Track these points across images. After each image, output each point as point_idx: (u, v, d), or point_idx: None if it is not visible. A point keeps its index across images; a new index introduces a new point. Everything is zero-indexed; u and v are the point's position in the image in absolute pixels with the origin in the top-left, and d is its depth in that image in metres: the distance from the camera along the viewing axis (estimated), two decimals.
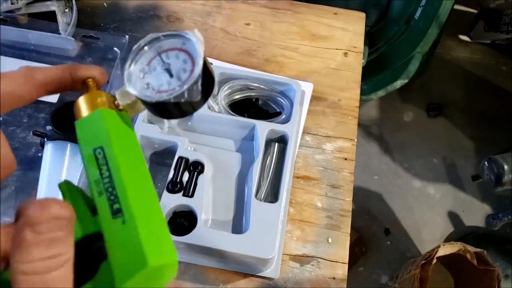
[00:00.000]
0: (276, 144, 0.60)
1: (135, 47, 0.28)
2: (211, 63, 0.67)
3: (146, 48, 0.28)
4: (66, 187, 0.24)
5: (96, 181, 0.22)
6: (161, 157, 0.59)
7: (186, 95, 0.25)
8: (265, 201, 0.54)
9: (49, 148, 0.58)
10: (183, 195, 0.54)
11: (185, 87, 0.25)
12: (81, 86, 0.26)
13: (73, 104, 0.26)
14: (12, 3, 0.66)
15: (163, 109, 0.26)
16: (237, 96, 0.63)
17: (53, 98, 0.65)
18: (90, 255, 0.21)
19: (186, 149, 0.57)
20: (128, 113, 0.27)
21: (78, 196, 0.23)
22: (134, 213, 0.20)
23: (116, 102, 0.26)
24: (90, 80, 0.26)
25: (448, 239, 1.39)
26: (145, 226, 0.20)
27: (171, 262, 0.20)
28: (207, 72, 0.27)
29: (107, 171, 0.22)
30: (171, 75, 0.27)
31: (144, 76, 0.27)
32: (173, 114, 0.27)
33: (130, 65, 0.28)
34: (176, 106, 0.26)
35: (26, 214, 0.19)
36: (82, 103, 0.25)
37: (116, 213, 0.20)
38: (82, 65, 0.26)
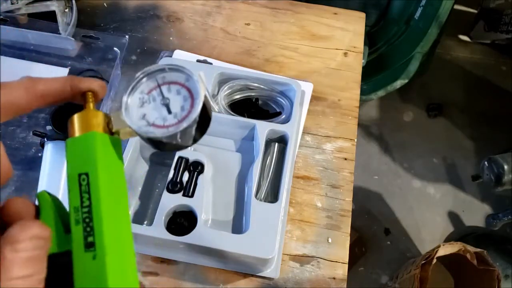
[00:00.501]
0: (276, 144, 0.60)
1: (138, 74, 0.28)
2: (211, 63, 0.67)
3: (148, 77, 0.27)
4: (43, 198, 0.23)
5: (76, 208, 0.22)
6: (161, 157, 0.59)
7: (178, 137, 0.25)
8: (265, 201, 0.54)
9: (49, 148, 0.58)
10: (183, 195, 0.54)
11: (180, 129, 0.25)
12: (80, 98, 0.26)
13: (68, 120, 0.25)
14: (12, 3, 0.66)
15: (154, 143, 0.26)
16: (237, 96, 0.63)
17: None
18: (57, 272, 0.21)
19: (186, 149, 0.57)
20: (120, 137, 0.26)
21: (53, 210, 0.23)
22: (106, 251, 0.20)
23: (110, 125, 0.26)
24: (89, 93, 0.26)
25: (448, 239, 1.39)
26: (114, 263, 0.20)
27: None
28: (205, 114, 0.26)
29: (88, 200, 0.22)
30: (168, 111, 0.26)
31: (142, 105, 0.26)
32: (163, 148, 0.27)
33: (129, 92, 0.27)
34: (168, 144, 0.26)
35: (8, 232, 0.19)
36: (77, 121, 0.25)
37: (89, 246, 0.20)
38: (82, 78, 0.26)
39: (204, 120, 0.27)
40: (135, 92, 0.27)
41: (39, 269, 0.19)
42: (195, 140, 0.27)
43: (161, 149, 0.27)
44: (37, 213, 0.23)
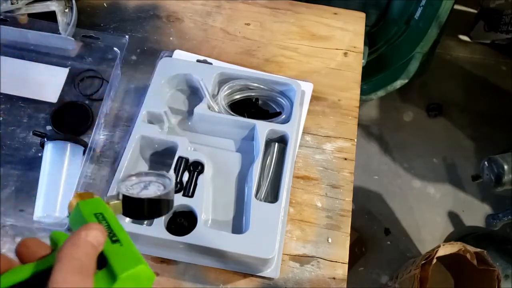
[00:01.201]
0: (276, 144, 0.60)
1: (127, 175, 0.40)
2: (211, 63, 0.67)
3: (134, 177, 0.39)
4: (57, 236, 0.29)
5: None
6: (161, 157, 0.59)
7: (151, 203, 0.37)
8: (265, 201, 0.54)
9: (49, 148, 0.58)
10: (183, 195, 0.54)
11: (154, 195, 0.37)
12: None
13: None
14: (12, 3, 0.66)
15: (134, 207, 0.37)
16: (237, 96, 0.63)
17: (53, 98, 0.65)
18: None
19: (186, 149, 0.57)
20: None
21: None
22: (125, 242, 0.29)
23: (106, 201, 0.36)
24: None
25: (448, 239, 1.39)
26: (131, 246, 0.29)
27: (152, 273, 0.28)
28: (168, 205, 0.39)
29: (106, 223, 0.31)
30: (147, 192, 0.38)
31: (128, 190, 0.38)
32: (139, 213, 0.38)
33: (121, 182, 0.38)
34: (148, 203, 0.37)
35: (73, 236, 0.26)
36: (84, 193, 0.35)
37: (115, 241, 0.29)
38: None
39: (166, 207, 0.39)
40: (126, 182, 0.38)
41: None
42: (161, 210, 0.38)
43: (136, 215, 0.39)
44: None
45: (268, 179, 0.57)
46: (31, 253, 0.27)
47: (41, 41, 0.67)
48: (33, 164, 0.60)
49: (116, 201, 0.36)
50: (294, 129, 0.59)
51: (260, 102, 0.65)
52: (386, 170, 1.50)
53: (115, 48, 0.67)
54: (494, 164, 1.15)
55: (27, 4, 0.67)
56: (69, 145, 0.58)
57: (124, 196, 0.36)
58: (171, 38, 0.73)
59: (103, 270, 0.27)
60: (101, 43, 0.68)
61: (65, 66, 0.68)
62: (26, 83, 0.66)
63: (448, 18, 1.21)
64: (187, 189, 0.54)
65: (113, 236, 0.30)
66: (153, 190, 0.38)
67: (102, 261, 0.27)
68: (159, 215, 0.39)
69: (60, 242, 0.29)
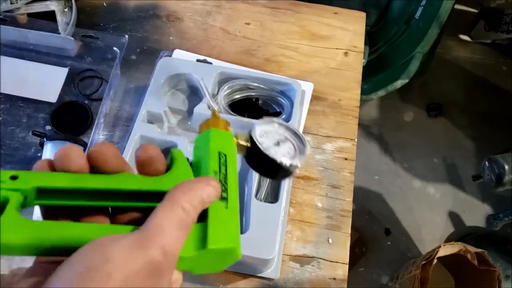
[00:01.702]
0: None
1: (270, 119, 0.38)
2: (211, 63, 0.67)
3: (276, 125, 0.38)
4: (179, 154, 0.29)
5: (215, 171, 0.29)
6: None
7: (288, 168, 0.35)
8: (265, 201, 0.54)
9: (49, 148, 0.58)
10: None
11: (294, 163, 0.34)
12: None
13: (213, 115, 0.35)
14: (11, 3, 0.66)
15: (263, 163, 0.35)
16: (237, 96, 0.63)
17: (53, 98, 0.65)
18: None
19: (186, 149, 0.57)
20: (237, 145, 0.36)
21: (187, 165, 0.29)
22: (233, 205, 0.27)
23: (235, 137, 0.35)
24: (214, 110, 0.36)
25: (449, 239, 1.39)
26: (236, 214, 0.27)
27: (239, 253, 0.27)
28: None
29: (225, 170, 0.29)
30: (278, 149, 0.36)
31: (262, 136, 0.36)
32: (264, 170, 0.36)
33: (259, 126, 0.37)
34: (275, 167, 0.35)
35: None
36: (221, 121, 0.34)
37: (223, 199, 0.27)
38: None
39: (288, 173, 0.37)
40: (262, 126, 0.37)
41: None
42: (283, 174, 0.36)
43: (262, 170, 0.36)
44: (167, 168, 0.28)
45: (268, 179, 0.57)
46: (103, 161, 0.25)
47: (41, 40, 0.67)
48: (33, 164, 0.60)
49: (244, 142, 0.34)
50: None
51: (260, 102, 0.64)
52: (386, 170, 1.50)
53: (114, 48, 0.67)
54: (494, 164, 1.14)
55: (26, 4, 0.67)
56: None
57: (253, 143, 0.34)
58: (171, 38, 0.73)
59: (197, 226, 0.25)
60: (100, 43, 0.68)
61: (65, 66, 0.68)
62: (25, 83, 0.66)
63: (449, 17, 1.20)
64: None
65: (223, 191, 0.27)
66: (283, 151, 0.35)
67: (201, 214, 0.26)
68: (273, 177, 0.37)
69: (177, 162, 0.28)
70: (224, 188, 0.28)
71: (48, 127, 0.63)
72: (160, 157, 0.28)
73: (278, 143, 0.35)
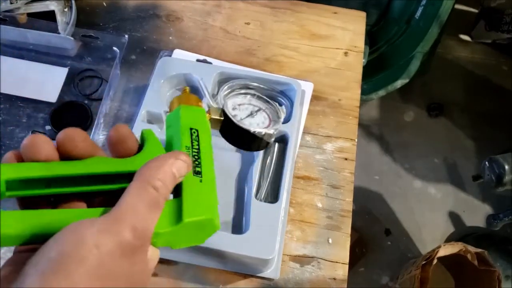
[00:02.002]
0: (276, 144, 0.60)
1: (235, 84, 0.39)
2: (211, 63, 0.67)
3: (246, 95, 0.39)
4: (149, 133, 0.29)
5: (187, 147, 0.29)
6: None
7: (263, 137, 0.35)
8: (265, 201, 0.54)
9: None
10: None
11: (268, 132, 0.34)
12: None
13: (183, 93, 0.34)
14: (11, 3, 0.66)
15: (238, 135, 0.35)
16: None
17: (52, 98, 0.65)
18: None
19: None
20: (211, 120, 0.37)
21: (159, 145, 0.29)
22: (208, 178, 0.28)
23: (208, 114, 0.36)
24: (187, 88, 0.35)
25: (449, 240, 1.39)
26: (212, 187, 0.28)
27: (218, 224, 0.27)
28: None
29: (197, 145, 0.29)
30: (252, 120, 0.36)
31: (234, 108, 0.36)
32: (241, 142, 0.36)
33: (228, 98, 0.37)
34: (252, 138, 0.35)
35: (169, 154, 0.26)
36: (189, 97, 0.34)
37: (197, 173, 0.27)
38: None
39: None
40: (232, 98, 0.37)
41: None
42: (260, 144, 0.37)
43: (237, 142, 0.36)
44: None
45: (268, 179, 0.57)
46: (72, 146, 0.25)
47: (40, 40, 0.67)
48: None
49: (217, 116, 0.34)
50: (294, 129, 0.58)
51: None
52: (386, 170, 1.50)
53: (114, 48, 0.67)
54: (495, 164, 1.14)
55: (26, 4, 0.67)
56: None
57: (226, 116, 0.34)
58: (170, 38, 0.73)
59: (172, 201, 0.25)
60: (100, 43, 0.68)
61: (65, 66, 0.68)
62: (25, 83, 0.66)
63: (449, 17, 1.20)
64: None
65: (197, 166, 0.28)
66: (257, 121, 0.35)
67: (176, 190, 0.26)
68: (250, 148, 0.36)
69: (148, 141, 0.28)
70: (198, 163, 0.28)
71: (48, 127, 0.63)
72: (131, 136, 0.28)
73: (251, 114, 0.36)
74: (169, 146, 0.30)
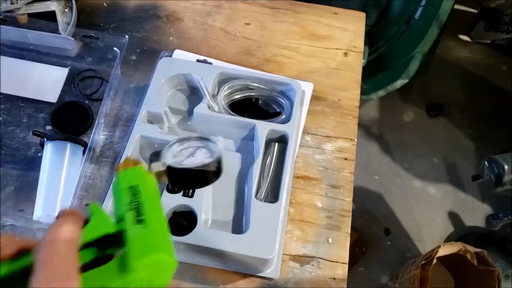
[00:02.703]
0: (276, 144, 0.60)
1: (171, 142, 0.41)
2: (211, 63, 0.67)
3: (179, 143, 0.40)
4: (94, 209, 0.29)
5: (127, 202, 0.29)
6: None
7: (195, 173, 0.36)
8: (265, 201, 0.54)
9: (49, 148, 0.58)
10: (183, 195, 0.54)
11: (199, 164, 0.36)
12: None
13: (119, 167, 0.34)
14: (11, 3, 0.66)
15: (180, 177, 0.36)
16: (237, 96, 0.63)
17: (53, 98, 0.65)
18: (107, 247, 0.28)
19: (186, 150, 0.57)
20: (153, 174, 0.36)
21: (104, 215, 0.29)
22: (156, 222, 0.28)
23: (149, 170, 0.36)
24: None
25: (448, 239, 1.39)
26: (157, 229, 0.28)
27: (172, 259, 0.26)
28: (219, 169, 0.39)
29: (137, 197, 0.30)
30: (194, 159, 0.37)
31: (175, 156, 0.37)
32: (184, 182, 0.38)
33: (167, 149, 0.39)
34: (187, 175, 0.36)
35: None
36: (129, 160, 0.34)
37: (140, 222, 0.27)
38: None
39: (217, 172, 0.39)
40: (171, 150, 0.38)
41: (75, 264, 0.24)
42: (208, 178, 0.38)
43: (181, 183, 0.39)
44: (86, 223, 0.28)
45: (268, 179, 0.57)
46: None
47: (41, 41, 0.67)
48: (33, 164, 0.60)
49: (160, 169, 0.35)
50: (294, 129, 0.59)
51: (260, 102, 0.64)
52: (386, 170, 1.50)
53: (115, 48, 0.67)
54: (494, 164, 1.14)
55: (26, 4, 0.67)
56: (68, 145, 0.58)
57: (168, 167, 0.35)
58: (171, 38, 0.73)
59: (118, 257, 0.25)
60: (101, 43, 0.68)
61: (65, 66, 0.68)
62: (25, 83, 0.66)
63: (448, 18, 1.20)
64: (187, 189, 0.54)
65: (139, 215, 0.28)
66: (200, 158, 0.36)
67: (120, 242, 0.26)
68: (205, 184, 0.37)
69: (95, 215, 0.28)
70: (140, 213, 0.28)
71: (48, 127, 0.63)
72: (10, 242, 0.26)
73: (192, 155, 0.37)
74: (115, 212, 0.30)
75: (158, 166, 0.35)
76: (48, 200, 0.55)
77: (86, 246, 0.26)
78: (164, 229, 0.28)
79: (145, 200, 0.29)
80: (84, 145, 0.59)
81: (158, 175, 0.35)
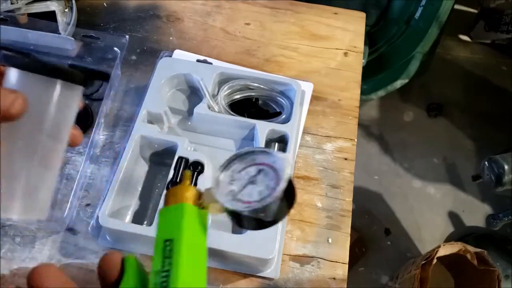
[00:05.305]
0: (276, 144, 0.60)
1: (231, 156, 0.31)
2: (211, 63, 0.67)
3: (239, 159, 0.30)
4: (129, 262, 0.24)
5: (156, 272, 0.23)
6: (161, 157, 0.59)
7: (261, 212, 0.27)
8: None
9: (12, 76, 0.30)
10: None
11: (262, 204, 0.26)
12: None
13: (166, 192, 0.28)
14: (12, 3, 0.66)
15: (239, 218, 0.28)
16: (237, 96, 0.63)
17: None
18: None
19: (186, 149, 0.57)
20: (208, 212, 0.28)
21: (137, 273, 0.24)
22: None
23: (201, 200, 0.28)
24: (187, 172, 0.29)
25: (448, 239, 1.39)
26: None
27: None
28: (290, 192, 0.29)
29: (168, 265, 0.23)
30: (254, 188, 0.28)
31: (232, 183, 0.29)
32: (246, 224, 0.29)
33: (222, 171, 0.30)
34: (250, 218, 0.28)
35: None
36: (173, 193, 0.28)
37: None
38: None
39: (289, 198, 0.29)
40: (228, 171, 0.30)
41: None
42: (277, 216, 0.29)
43: (245, 224, 0.29)
44: (120, 276, 0.24)
45: None
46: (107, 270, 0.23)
47: (41, 41, 0.67)
48: None
49: (217, 212, 0.28)
50: (294, 129, 0.59)
51: (260, 102, 0.64)
52: (386, 170, 1.50)
53: (115, 48, 0.67)
54: (494, 164, 1.14)
55: (27, 4, 0.67)
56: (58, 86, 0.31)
57: (225, 207, 0.27)
58: (171, 38, 0.73)
59: None
60: (101, 43, 0.68)
61: None
62: None
63: (449, 18, 1.20)
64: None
65: None
66: (261, 187, 0.27)
67: None
68: (271, 225, 0.28)
69: (128, 273, 0.23)
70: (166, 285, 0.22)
71: None
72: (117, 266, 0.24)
73: (252, 181, 0.28)
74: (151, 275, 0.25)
75: (216, 209, 0.28)
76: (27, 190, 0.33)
77: None
78: None
79: (175, 269, 0.23)
80: (81, 81, 0.32)
81: (213, 207, 0.28)
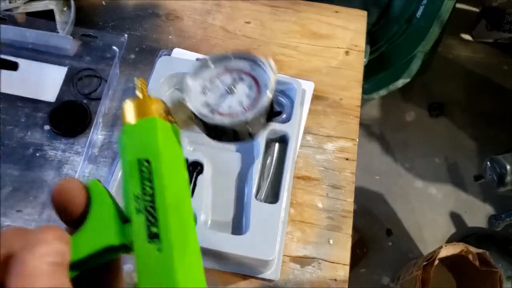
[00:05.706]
0: (277, 144, 0.59)
1: (199, 61, 0.27)
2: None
3: (211, 64, 0.27)
4: (96, 186, 0.21)
5: (136, 196, 0.20)
6: None
7: (248, 125, 0.24)
8: (265, 202, 0.54)
9: None
10: None
11: (249, 116, 0.24)
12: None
13: (122, 106, 0.24)
14: (10, 2, 0.65)
15: (217, 131, 0.25)
16: None
17: (51, 97, 0.65)
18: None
19: (186, 149, 0.56)
20: (178, 128, 0.25)
21: (109, 198, 0.21)
22: (172, 244, 0.18)
23: (169, 115, 0.24)
24: (141, 80, 0.24)
25: (450, 240, 1.38)
26: (181, 258, 0.19)
27: None
28: (271, 104, 0.26)
29: (150, 189, 0.20)
30: (233, 98, 0.25)
31: (204, 92, 0.26)
32: (226, 138, 0.26)
33: (190, 79, 0.27)
34: (233, 132, 0.25)
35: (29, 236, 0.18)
36: (135, 107, 0.23)
37: (153, 237, 0.18)
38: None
39: (270, 110, 0.26)
40: (197, 79, 0.26)
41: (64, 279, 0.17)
42: (254, 129, 0.26)
43: (223, 138, 0.26)
44: (86, 207, 0.21)
45: (269, 180, 0.57)
46: (69, 195, 0.20)
47: (40, 40, 0.67)
48: (31, 164, 0.59)
49: (184, 118, 0.24)
50: (295, 129, 0.58)
51: None
52: (387, 170, 1.49)
53: (113, 47, 0.66)
54: (496, 164, 1.14)
55: (25, 3, 0.67)
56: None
57: (194, 115, 0.24)
58: (170, 37, 0.72)
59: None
60: (99, 42, 0.68)
61: (64, 65, 0.68)
62: (24, 82, 0.66)
63: (450, 16, 1.20)
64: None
65: (151, 224, 0.18)
66: (239, 97, 0.24)
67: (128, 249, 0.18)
68: (243, 139, 0.25)
69: (95, 203, 0.20)
70: (151, 221, 0.19)
71: (46, 127, 0.63)
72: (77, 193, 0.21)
73: (230, 90, 0.25)
74: (124, 202, 0.21)
75: (184, 114, 0.24)
76: None
77: (77, 265, 0.19)
78: (189, 243, 0.19)
79: (161, 192, 0.19)
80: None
81: (183, 121, 0.25)
